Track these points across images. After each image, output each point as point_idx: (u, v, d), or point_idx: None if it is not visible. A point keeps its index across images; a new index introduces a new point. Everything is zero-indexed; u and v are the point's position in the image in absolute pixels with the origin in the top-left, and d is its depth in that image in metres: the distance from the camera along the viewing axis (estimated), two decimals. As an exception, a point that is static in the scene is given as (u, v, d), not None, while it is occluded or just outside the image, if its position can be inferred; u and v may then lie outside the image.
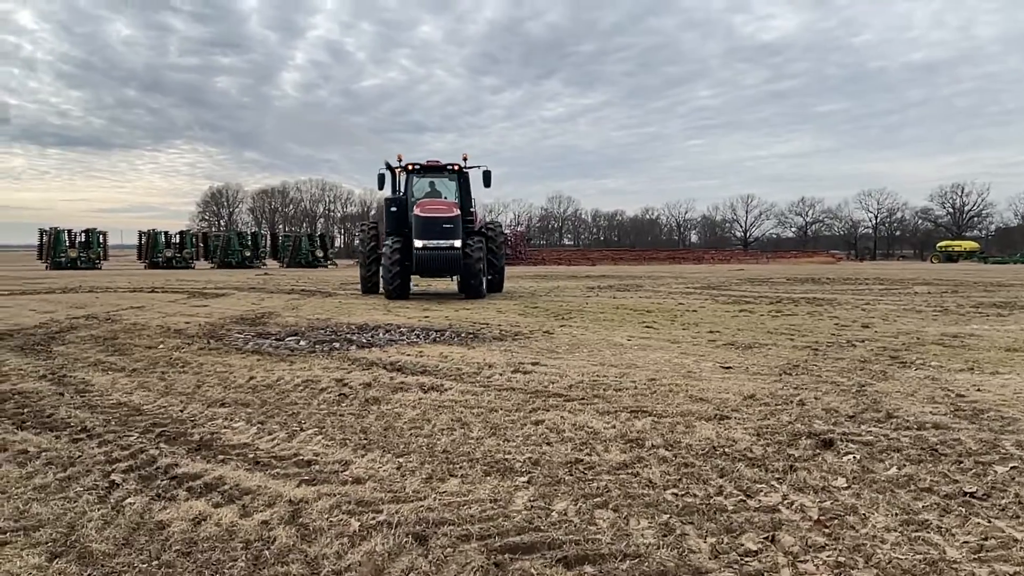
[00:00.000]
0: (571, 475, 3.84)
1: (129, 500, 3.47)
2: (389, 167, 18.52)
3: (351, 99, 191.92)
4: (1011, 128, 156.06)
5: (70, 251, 47.70)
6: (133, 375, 6.80)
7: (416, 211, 16.99)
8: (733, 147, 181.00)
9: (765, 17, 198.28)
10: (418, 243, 16.65)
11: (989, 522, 3.14)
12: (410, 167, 18.40)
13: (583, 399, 5.65)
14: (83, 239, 49.55)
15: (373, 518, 3.22)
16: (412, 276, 17.36)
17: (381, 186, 18.40)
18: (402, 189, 18.50)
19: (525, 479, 3.78)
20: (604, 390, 5.99)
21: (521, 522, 3.17)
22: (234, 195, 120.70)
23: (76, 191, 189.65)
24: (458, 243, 16.77)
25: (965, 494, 3.48)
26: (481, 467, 3.97)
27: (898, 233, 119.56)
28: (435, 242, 16.64)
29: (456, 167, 18.54)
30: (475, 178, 18.65)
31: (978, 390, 5.90)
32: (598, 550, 2.87)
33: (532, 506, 3.38)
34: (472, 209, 18.67)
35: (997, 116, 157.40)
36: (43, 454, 4.21)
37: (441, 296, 18.44)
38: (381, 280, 17.93)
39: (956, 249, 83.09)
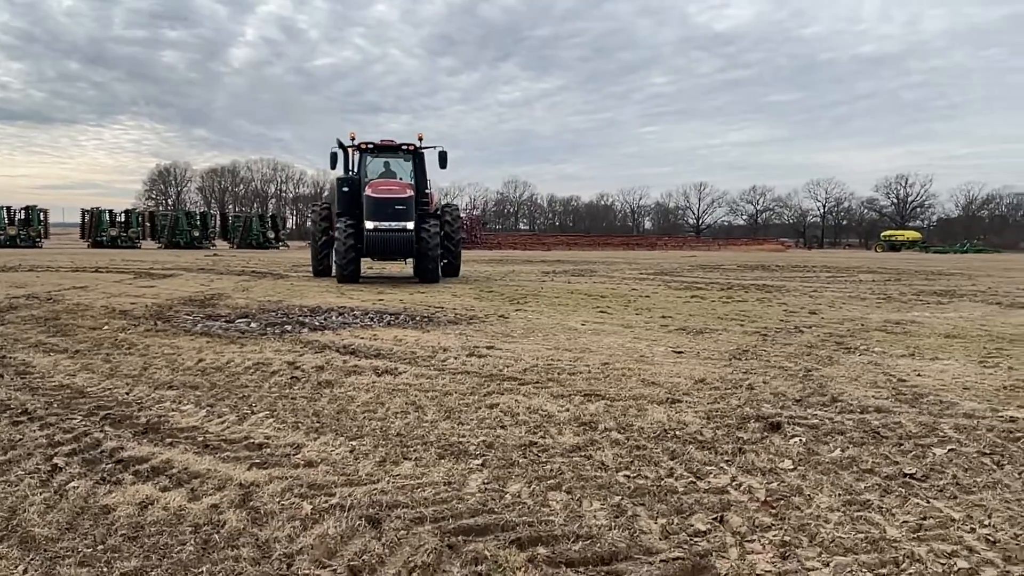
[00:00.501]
0: (525, 458, 3.86)
1: (73, 484, 3.38)
2: (342, 146, 17.92)
3: (304, 77, 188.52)
4: (955, 122, 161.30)
5: (9, 229, 46.08)
6: (76, 357, 6.61)
7: (368, 191, 16.52)
8: (687, 135, 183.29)
9: (719, 6, 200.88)
10: (369, 224, 16.20)
11: (928, 502, 3.25)
12: (363, 146, 17.88)
13: (537, 383, 5.68)
14: (23, 216, 47.89)
15: (326, 501, 3.19)
16: (364, 259, 16.97)
17: (333, 165, 17.80)
18: (355, 169, 17.98)
19: (479, 462, 3.78)
20: (558, 374, 6.02)
21: (475, 504, 3.18)
22: (182, 173, 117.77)
23: (15, 167, 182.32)
24: (410, 225, 16.32)
25: (905, 475, 3.60)
26: (435, 450, 3.97)
27: (845, 222, 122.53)
28: (387, 224, 16.20)
29: (411, 147, 18.03)
30: (431, 160, 18.10)
31: (918, 375, 6.09)
32: (551, 531, 2.89)
33: (486, 488, 3.39)
34: (427, 191, 18.20)
35: (943, 110, 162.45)
36: (-19, 437, 4.07)
37: (395, 280, 18.31)
38: (333, 263, 17.43)
39: (899, 239, 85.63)
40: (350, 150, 18.07)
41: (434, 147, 18.05)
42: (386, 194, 16.41)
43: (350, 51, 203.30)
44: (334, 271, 17.39)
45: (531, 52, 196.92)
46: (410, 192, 16.68)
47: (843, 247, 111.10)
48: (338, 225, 16.54)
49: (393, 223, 16.24)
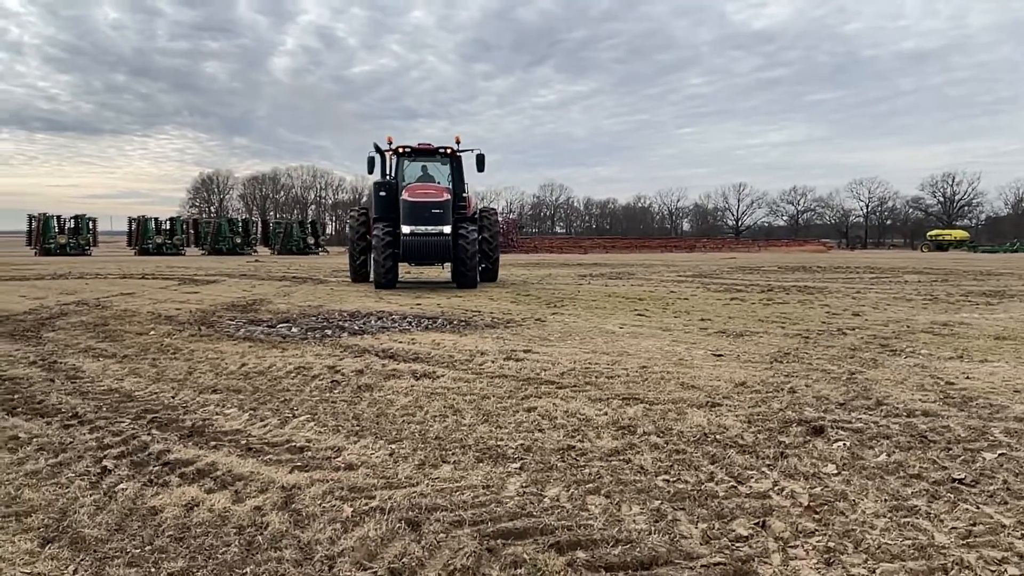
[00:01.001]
0: (563, 461, 3.86)
1: (121, 486, 3.47)
2: (379, 150, 17.78)
3: (342, 85, 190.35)
4: (1002, 117, 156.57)
5: (59, 237, 47.47)
6: (124, 361, 6.77)
7: (404, 195, 16.34)
8: (725, 135, 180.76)
9: (757, 5, 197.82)
10: (405, 228, 16.03)
11: (977, 508, 3.17)
12: (400, 150, 17.74)
13: (575, 386, 5.66)
14: (72, 225, 49.33)
15: (366, 504, 3.23)
16: (401, 264, 16.75)
17: (371, 170, 17.70)
18: (392, 173, 17.84)
19: (517, 465, 3.79)
20: (596, 377, 6.00)
21: (513, 508, 3.18)
22: (224, 181, 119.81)
23: (65, 176, 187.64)
24: (447, 229, 16.12)
25: (954, 480, 3.51)
26: (473, 453, 3.98)
27: (889, 222, 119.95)
28: (423, 228, 16.00)
29: (448, 150, 17.85)
30: (468, 163, 18.16)
31: (967, 378, 5.94)
32: (590, 536, 2.88)
33: (524, 492, 3.40)
34: (465, 194, 17.95)
35: (989, 105, 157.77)
36: (34, 440, 4.20)
37: (433, 284, 18.41)
38: (371, 268, 17.29)
39: (946, 238, 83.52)
40: (387, 154, 17.93)
41: (471, 150, 17.90)
42: (423, 198, 16.22)
43: (387, 58, 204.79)
44: (372, 276, 17.26)
45: (567, 55, 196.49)
46: (447, 196, 16.50)
47: (887, 247, 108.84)
48: (375, 230, 16.41)
49: (430, 227, 16.03)
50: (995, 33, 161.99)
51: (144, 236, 50.62)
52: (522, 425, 4.57)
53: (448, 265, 17.53)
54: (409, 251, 16.11)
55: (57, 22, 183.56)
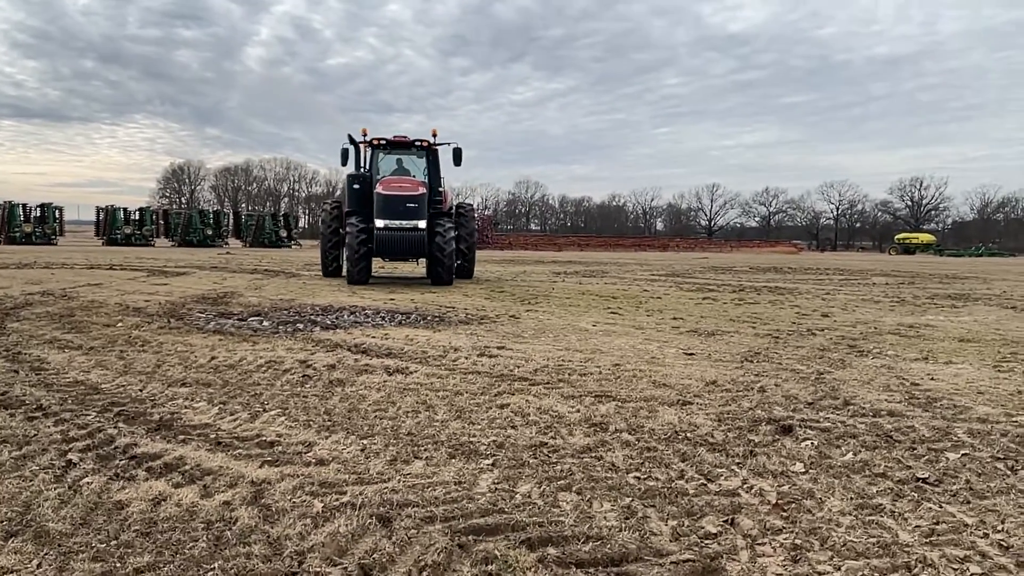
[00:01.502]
0: (535, 458, 3.86)
1: (87, 480, 3.41)
2: (353, 142, 17.33)
3: (318, 77, 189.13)
4: (971, 124, 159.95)
5: (25, 226, 46.48)
6: (90, 353, 6.66)
7: (378, 188, 15.95)
8: (700, 136, 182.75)
9: (733, 7, 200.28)
10: (379, 222, 15.60)
11: (940, 507, 3.23)
12: (375, 142, 17.33)
13: (548, 383, 5.68)
14: (38, 214, 48.30)
15: (337, 499, 3.21)
16: (375, 259, 16.42)
17: (344, 162, 17.19)
18: (367, 166, 17.46)
19: (490, 462, 3.79)
20: (569, 375, 6.02)
21: (485, 504, 3.18)
22: (196, 172, 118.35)
23: (31, 164, 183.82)
24: (422, 224, 15.73)
25: (918, 480, 3.58)
26: (446, 449, 3.98)
27: (858, 225, 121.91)
28: (397, 222, 15.60)
29: (425, 143, 17.42)
30: (445, 158, 17.51)
31: (932, 379, 6.05)
32: (561, 532, 2.89)
33: (496, 488, 3.40)
34: (441, 189, 17.53)
35: (958, 111, 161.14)
36: (-4, 432, 4.11)
37: (407, 279, 18.34)
38: (344, 263, 16.92)
39: (913, 241, 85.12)
40: (362, 146, 17.53)
41: (448, 143, 17.48)
42: (397, 191, 15.83)
43: (363, 51, 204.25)
44: (344, 271, 16.90)
45: (544, 52, 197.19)
46: (422, 189, 16.09)
47: (856, 250, 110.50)
48: (349, 224, 15.95)
49: (404, 221, 15.64)
50: (965, 40, 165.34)
51: (112, 226, 49.78)
52: (495, 421, 4.57)
53: (423, 261, 17.19)
54: (383, 246, 15.70)
55: (27, 7, 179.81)
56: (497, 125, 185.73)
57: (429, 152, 17.63)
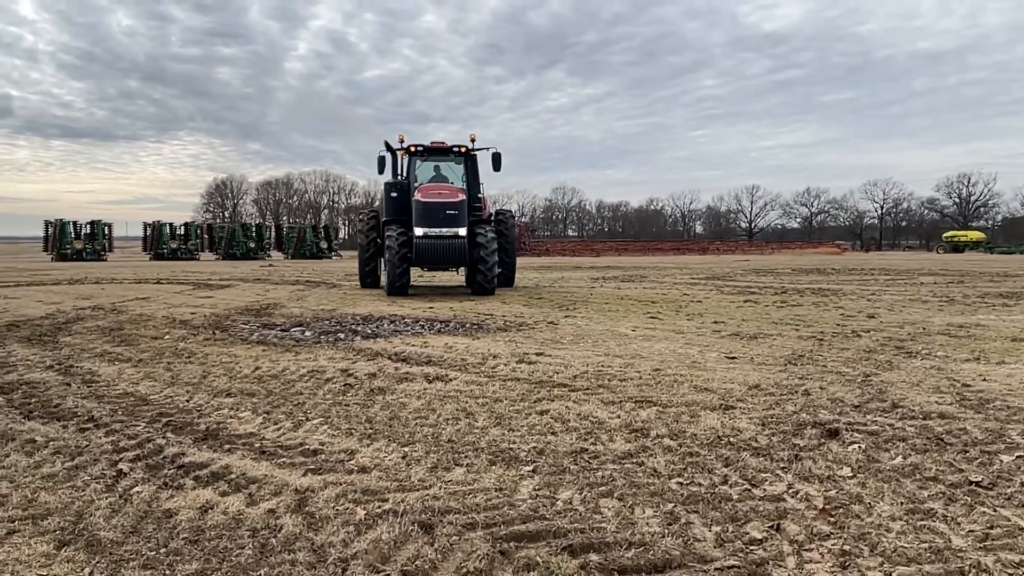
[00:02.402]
0: (576, 464, 3.85)
1: (136, 489, 3.49)
2: (390, 148, 16.91)
3: (354, 89, 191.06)
4: (1018, 118, 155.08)
5: (76, 243, 47.77)
6: (139, 365, 6.82)
7: (417, 196, 15.48)
8: (738, 137, 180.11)
9: (769, 6, 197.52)
10: (418, 231, 15.11)
11: (995, 511, 3.14)
12: (412, 149, 16.83)
13: (588, 389, 5.65)
14: (88, 231, 49.63)
15: (379, 507, 3.23)
16: (413, 268, 15.87)
17: (381, 170, 16.73)
18: (404, 173, 16.98)
19: (530, 468, 3.78)
20: (609, 380, 5.99)
21: (526, 511, 3.18)
22: (238, 187, 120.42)
23: (80, 183, 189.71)
24: (463, 231, 15.23)
25: (971, 483, 3.48)
26: (486, 456, 3.98)
27: (904, 223, 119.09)
28: (437, 230, 15.09)
29: (463, 149, 16.91)
30: (483, 164, 17.09)
31: (984, 380, 5.89)
32: (603, 538, 2.87)
33: (537, 495, 3.39)
34: (480, 195, 17.05)
35: (1005, 106, 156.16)
36: (50, 443, 4.24)
37: (444, 288, 18.41)
38: (383, 274, 16.50)
39: (962, 239, 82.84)
40: (399, 153, 17.11)
41: (487, 148, 16.98)
42: (436, 198, 15.40)
43: (399, 62, 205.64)
44: (383, 282, 16.54)
45: (578, 58, 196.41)
46: (462, 196, 15.65)
47: (902, 249, 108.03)
48: (388, 233, 15.44)
49: (444, 229, 15.16)
50: (1011, 32, 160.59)
51: (159, 241, 50.91)
52: (535, 428, 4.56)
53: (462, 269, 16.89)
54: (423, 255, 15.18)
55: (71, 29, 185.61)
56: (532, 132, 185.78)
57: (467, 158, 17.20)
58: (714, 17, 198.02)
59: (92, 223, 50.09)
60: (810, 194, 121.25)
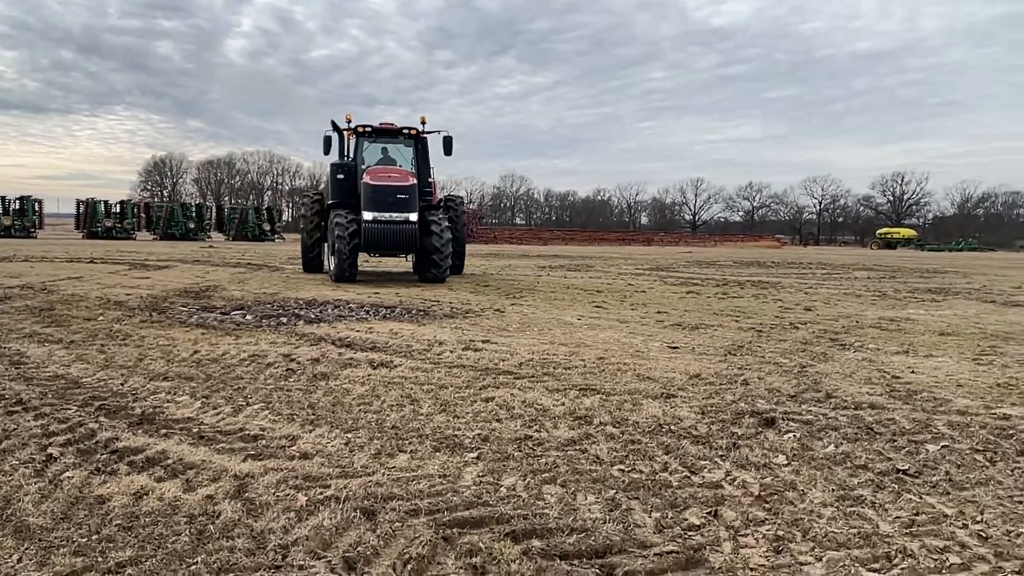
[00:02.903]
0: (520, 451, 3.87)
1: (67, 474, 3.38)
2: (337, 128, 16.40)
3: (300, 69, 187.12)
4: (952, 120, 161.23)
5: (3, 219, 45.87)
6: (71, 347, 6.59)
7: (366, 178, 14.87)
8: (684, 130, 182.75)
9: (717, 2, 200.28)
10: (367, 215, 14.50)
11: (921, 498, 3.27)
12: (360, 129, 16.21)
13: (533, 377, 5.68)
14: (17, 206, 47.69)
15: (321, 493, 3.20)
16: (360, 253, 15.25)
17: (327, 151, 16.30)
18: (351, 154, 16.38)
19: (474, 455, 3.79)
20: (554, 368, 6.03)
21: (470, 497, 3.19)
22: (178, 165, 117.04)
23: (9, 156, 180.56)
24: (413, 216, 14.71)
25: (898, 471, 3.62)
26: (430, 443, 3.97)
27: (841, 219, 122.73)
28: (387, 215, 14.52)
29: (413, 131, 16.36)
30: (433, 147, 16.71)
31: (912, 372, 6.11)
32: (546, 524, 2.90)
33: (481, 481, 3.40)
34: (430, 180, 16.52)
35: (938, 107, 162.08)
36: (-25, 427, 4.06)
37: (390, 274, 18.26)
38: (327, 259, 15.90)
39: (895, 236, 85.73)
40: (346, 133, 16.49)
41: (438, 132, 16.45)
42: (386, 181, 14.82)
43: (346, 43, 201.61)
44: (327, 267, 16.00)
45: (529, 46, 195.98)
46: (413, 180, 15.12)
47: (839, 244, 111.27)
48: (336, 218, 14.84)
49: (394, 214, 14.59)
50: (946, 36, 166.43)
51: (93, 219, 49.22)
52: (480, 415, 4.57)
53: (411, 255, 16.55)
54: (371, 240, 14.59)
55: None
56: (482, 119, 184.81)
57: (417, 141, 16.65)
58: (663, 10, 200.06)
59: (21, 199, 48.14)
60: (752, 188, 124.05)
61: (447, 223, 15.26)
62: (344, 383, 5.38)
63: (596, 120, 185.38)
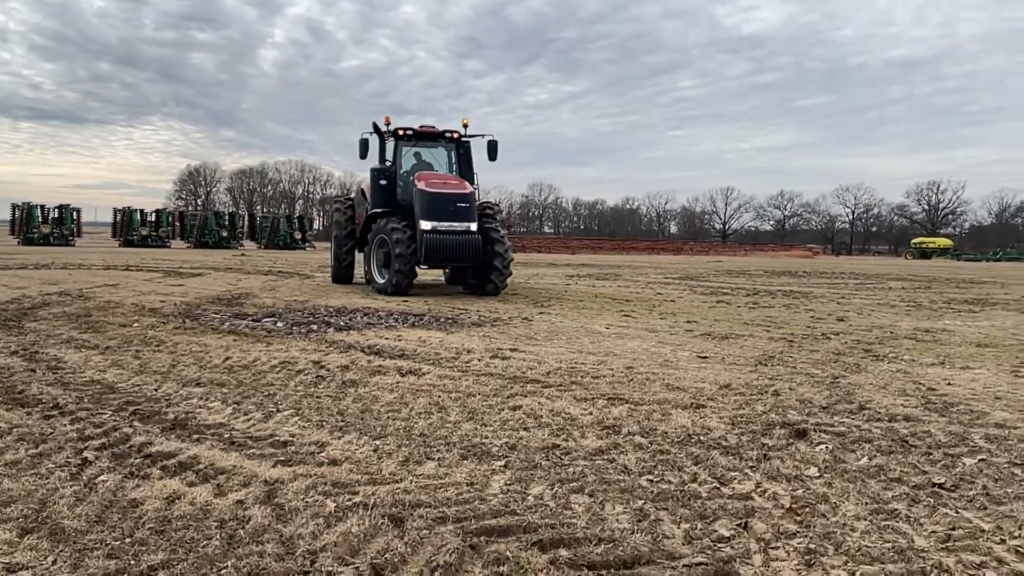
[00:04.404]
0: (547, 460, 3.86)
1: (102, 478, 3.44)
2: (377, 130, 15.33)
3: (331, 79, 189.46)
4: (989, 127, 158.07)
5: (43, 227, 46.85)
6: (107, 353, 6.72)
7: (420, 185, 13.72)
8: (714, 139, 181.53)
9: (748, 8, 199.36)
10: (425, 224, 13.30)
11: (957, 513, 3.20)
12: (400, 132, 15.13)
13: (561, 385, 5.67)
14: (56, 215, 48.72)
15: (349, 499, 3.21)
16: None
17: (364, 154, 15.23)
18: (389, 158, 15.32)
19: (502, 463, 3.79)
20: (582, 377, 6.01)
21: (497, 505, 3.18)
22: (211, 174, 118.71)
23: (49, 166, 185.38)
24: (474, 226, 13.64)
25: (934, 485, 3.54)
26: (458, 451, 3.98)
27: (874, 229, 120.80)
28: (447, 224, 13.40)
29: (455, 135, 15.36)
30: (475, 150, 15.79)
31: (948, 384, 6.00)
32: (573, 534, 2.88)
33: (508, 490, 3.40)
34: (475, 187, 15.10)
35: (976, 115, 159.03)
36: (14, 430, 4.16)
37: (421, 283, 18.30)
38: (374, 270, 14.51)
39: (930, 246, 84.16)
40: (385, 135, 15.39)
41: (482, 135, 15.49)
42: (444, 188, 13.78)
43: (376, 52, 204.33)
44: (374, 280, 14.50)
45: (557, 54, 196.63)
46: (470, 188, 14.21)
47: (872, 254, 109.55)
48: (391, 225, 13.66)
49: (455, 223, 13.50)
50: (984, 43, 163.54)
51: (129, 228, 50.07)
52: (507, 423, 4.57)
53: (449, 268, 15.63)
54: (433, 251, 13.30)
55: (43, 9, 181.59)
56: (510, 128, 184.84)
57: (459, 145, 15.63)
58: (692, 18, 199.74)
59: (60, 207, 49.17)
60: (784, 197, 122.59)
61: (505, 232, 14.57)
62: (373, 390, 5.41)
63: (625, 128, 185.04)
